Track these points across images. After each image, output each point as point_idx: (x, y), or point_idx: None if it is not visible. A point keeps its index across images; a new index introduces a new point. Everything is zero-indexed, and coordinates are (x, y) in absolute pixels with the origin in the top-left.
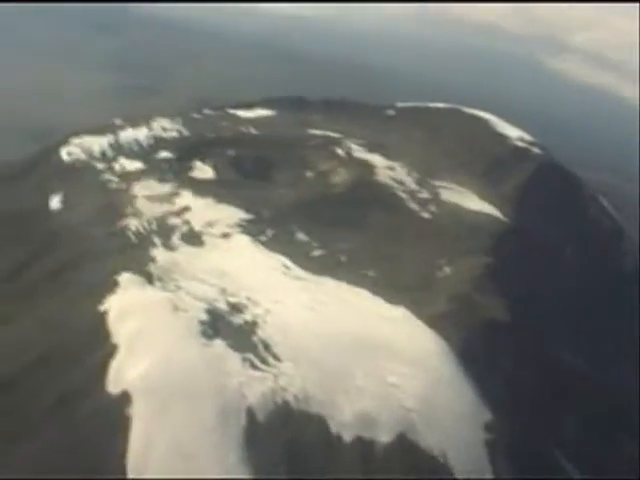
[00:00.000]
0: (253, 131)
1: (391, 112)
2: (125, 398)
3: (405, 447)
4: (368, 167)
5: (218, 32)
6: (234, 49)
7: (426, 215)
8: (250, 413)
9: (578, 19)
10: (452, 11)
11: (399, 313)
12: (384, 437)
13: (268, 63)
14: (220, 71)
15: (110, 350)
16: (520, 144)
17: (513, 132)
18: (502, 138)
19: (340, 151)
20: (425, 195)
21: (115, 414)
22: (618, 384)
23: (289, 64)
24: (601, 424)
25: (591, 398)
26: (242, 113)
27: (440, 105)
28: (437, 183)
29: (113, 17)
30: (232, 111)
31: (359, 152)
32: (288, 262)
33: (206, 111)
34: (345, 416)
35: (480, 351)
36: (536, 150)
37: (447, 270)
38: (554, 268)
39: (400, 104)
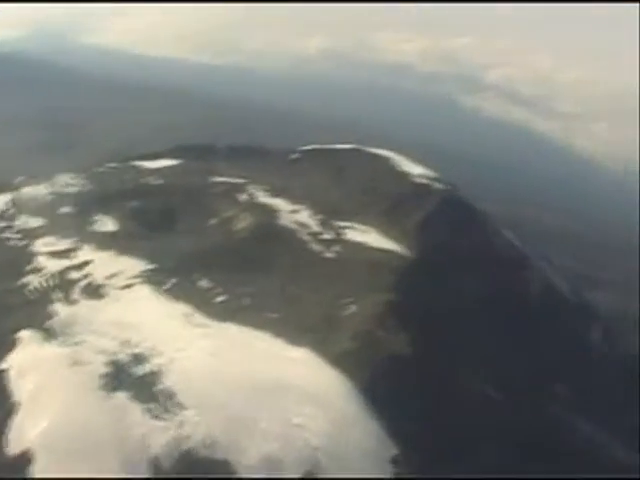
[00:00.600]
0: (157, 181)
1: (295, 156)
2: (26, 457)
3: None
4: (271, 211)
5: (137, 85)
6: (149, 101)
7: (330, 255)
8: (155, 463)
9: (491, 56)
10: (365, 52)
11: (302, 354)
12: (291, 477)
13: (182, 113)
14: (134, 123)
15: (10, 409)
16: (422, 181)
17: (415, 169)
18: (404, 176)
19: (243, 197)
20: (329, 236)
21: (17, 473)
22: (530, 412)
23: (202, 111)
24: (514, 454)
25: (504, 427)
26: (147, 164)
27: (344, 146)
28: (341, 223)
29: (31, 72)
30: (137, 162)
31: (262, 197)
32: (190, 310)
33: (111, 164)
34: (251, 459)
35: (385, 387)
36: (438, 186)
37: (351, 308)
38: (459, 301)
39: (304, 147)
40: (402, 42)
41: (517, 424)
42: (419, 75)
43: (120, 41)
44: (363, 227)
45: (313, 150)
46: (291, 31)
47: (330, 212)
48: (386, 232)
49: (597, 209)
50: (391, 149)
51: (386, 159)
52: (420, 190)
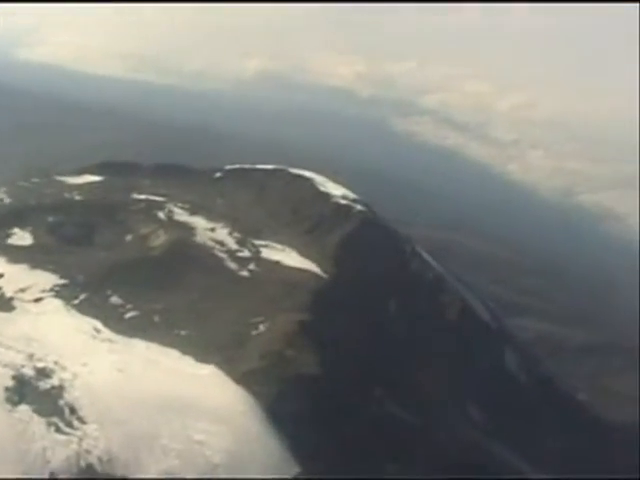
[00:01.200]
0: (78, 197)
1: (218, 175)
2: None
3: None
4: (188, 229)
5: (72, 102)
6: (83, 118)
7: (245, 274)
8: (54, 477)
9: (429, 81)
10: (303, 75)
11: (208, 371)
12: None
13: (114, 130)
14: (64, 140)
15: None
16: (343, 202)
17: (337, 191)
18: (325, 196)
19: (161, 214)
20: (245, 254)
21: None
22: (444, 434)
23: (135, 130)
24: (422, 471)
25: (412, 448)
26: (71, 179)
27: (266, 166)
28: (259, 242)
29: None
30: (61, 178)
31: (181, 215)
32: (99, 325)
33: (34, 179)
34: (150, 475)
35: (290, 405)
36: (358, 207)
37: (261, 327)
38: (374, 322)
39: (228, 166)
40: (341, 65)
41: (428, 445)
42: (356, 99)
43: (59, 57)
44: (281, 246)
45: (236, 169)
46: (231, 53)
47: (249, 231)
48: (304, 252)
49: (530, 236)
50: (319, 171)
51: (308, 180)
52: (340, 211)
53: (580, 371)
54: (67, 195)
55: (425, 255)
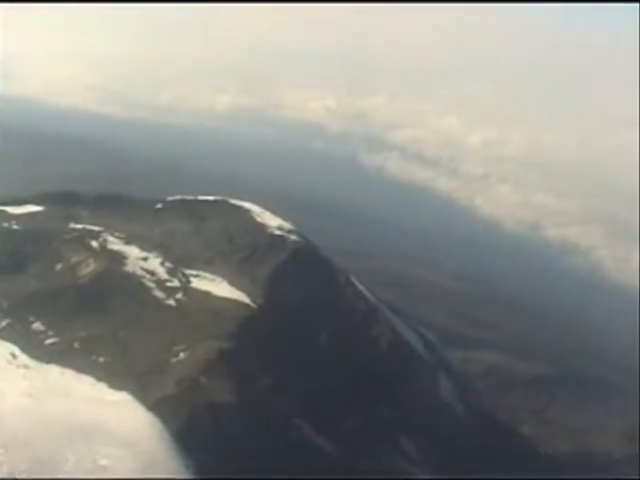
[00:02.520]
0: (15, 226)
1: (160, 205)
2: None
3: None
4: (119, 258)
5: (32, 133)
6: (46, 148)
7: (171, 303)
8: None
9: (400, 116)
10: (274, 110)
11: (120, 397)
12: None
13: (73, 161)
14: (14, 171)
15: None
16: (277, 232)
17: (273, 222)
18: (261, 227)
19: (95, 244)
20: (175, 284)
21: None
22: (369, 466)
23: (94, 162)
24: None
25: (332, 476)
26: (10, 209)
27: (208, 198)
28: (190, 272)
29: None
30: (1, 207)
31: (115, 244)
32: (17, 351)
33: None
34: None
35: (200, 432)
36: (293, 237)
37: (182, 355)
38: (304, 351)
39: (170, 197)
40: (312, 100)
41: (347, 476)
42: (326, 133)
43: (28, 89)
44: (212, 276)
45: (178, 201)
46: (202, 87)
47: (182, 260)
48: (235, 282)
49: (492, 269)
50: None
51: (247, 211)
52: (274, 241)
53: (529, 404)
54: (5, 224)
55: (359, 286)
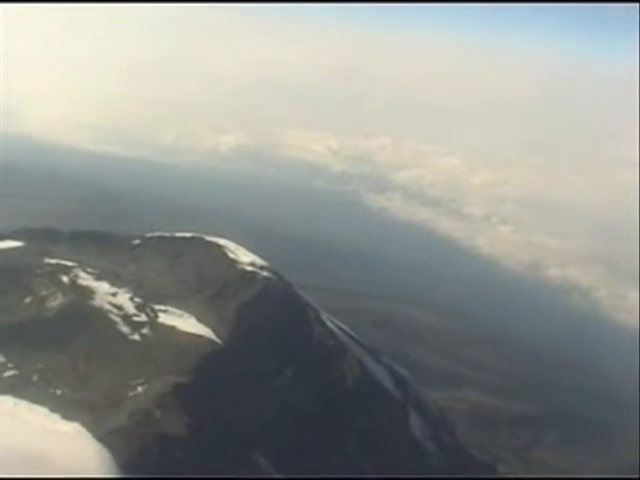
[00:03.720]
0: None
1: (137, 242)
2: None
3: None
4: (88, 292)
5: (30, 172)
6: (37, 187)
7: (136, 337)
8: None
9: (402, 157)
10: (277, 150)
11: (72, 428)
12: None
13: (66, 199)
14: (10, 208)
15: None
16: (248, 268)
17: (246, 258)
18: (233, 263)
19: (65, 278)
20: (142, 319)
21: None
22: None
23: (88, 200)
24: None
25: None
26: None
27: (184, 234)
28: (159, 307)
29: None
30: None
31: (86, 279)
32: None
33: None
34: None
35: (149, 463)
36: (264, 274)
37: (140, 389)
38: (268, 387)
39: (148, 234)
40: (314, 141)
41: None
42: (328, 174)
43: (28, 128)
44: (180, 312)
45: (155, 237)
46: (204, 127)
47: (152, 296)
48: (203, 317)
49: (487, 308)
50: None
51: (220, 247)
52: (245, 277)
53: (511, 442)
54: None
55: (329, 323)
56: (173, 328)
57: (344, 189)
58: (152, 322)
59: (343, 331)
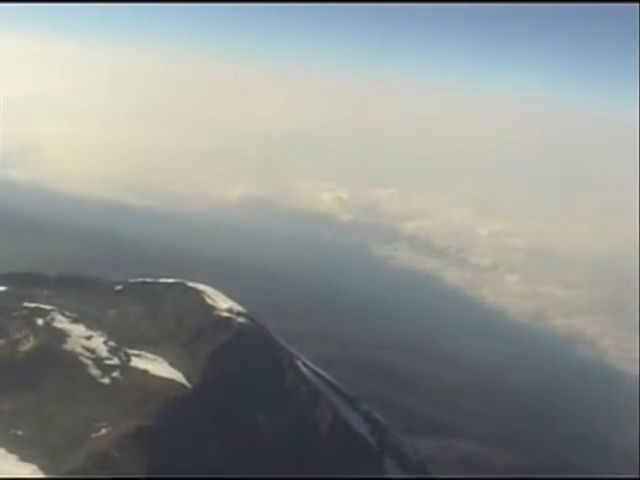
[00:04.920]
0: None
1: (119, 287)
2: None
3: None
4: (62, 336)
5: (41, 221)
6: (46, 234)
7: (105, 381)
8: None
9: (411, 208)
10: (286, 200)
11: (29, 470)
12: None
13: (75, 247)
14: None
15: None
16: (224, 314)
17: (224, 303)
18: (209, 308)
19: (40, 321)
20: (114, 362)
21: None
22: None
23: (93, 247)
24: None
25: None
26: None
27: (167, 280)
28: (133, 352)
29: None
30: None
31: (61, 323)
32: None
33: None
34: None
35: None
36: (240, 320)
37: (103, 431)
38: (234, 432)
39: (132, 280)
40: (324, 192)
41: None
42: (336, 224)
43: (43, 177)
44: (154, 356)
45: (138, 282)
46: (215, 178)
47: (127, 340)
48: (176, 362)
49: (489, 358)
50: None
51: (200, 293)
52: (220, 323)
53: None
54: None
55: (304, 369)
56: (145, 372)
57: (352, 239)
58: (124, 366)
59: (320, 378)
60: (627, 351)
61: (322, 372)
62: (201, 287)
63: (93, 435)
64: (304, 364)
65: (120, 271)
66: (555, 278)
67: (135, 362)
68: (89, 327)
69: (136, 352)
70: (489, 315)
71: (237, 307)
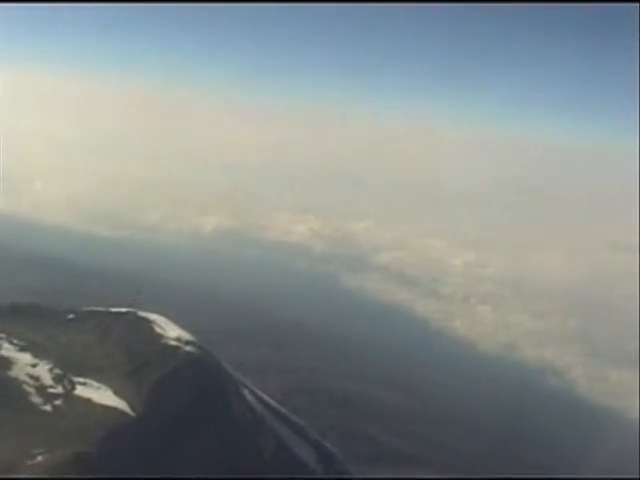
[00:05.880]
0: None
1: (72, 316)
2: None
3: None
4: (7, 364)
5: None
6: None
7: (47, 408)
8: None
9: (385, 239)
10: (260, 231)
11: None
12: None
13: (39, 276)
14: None
15: None
16: (172, 343)
17: (173, 332)
18: (158, 337)
19: None
20: (57, 390)
21: None
22: None
23: (56, 278)
24: None
25: None
26: None
27: (119, 309)
28: (78, 380)
29: None
30: None
31: (8, 350)
32: None
33: None
34: None
35: None
36: (187, 348)
37: (39, 458)
38: (175, 459)
39: (85, 309)
40: (298, 223)
41: None
42: (309, 255)
43: (10, 206)
44: (99, 384)
45: (90, 311)
46: (190, 209)
47: (73, 368)
48: (121, 390)
49: (456, 389)
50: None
51: (150, 322)
52: (167, 352)
53: None
54: None
55: (250, 397)
56: (88, 400)
57: (324, 270)
58: (67, 394)
59: (268, 407)
60: (597, 381)
61: (272, 402)
62: (152, 317)
63: (29, 462)
64: (252, 393)
65: (80, 300)
66: (528, 308)
67: (79, 390)
68: (36, 355)
69: (81, 380)
70: (459, 346)
71: (186, 336)
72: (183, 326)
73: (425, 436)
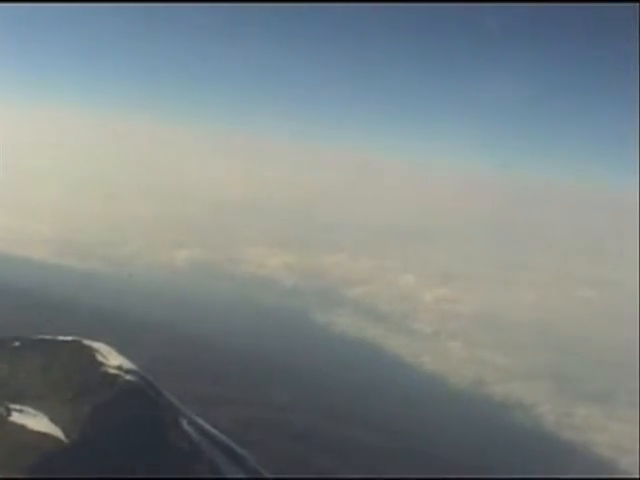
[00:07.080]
0: None
1: (17, 343)
2: None
3: None
4: None
5: None
6: None
7: None
8: None
9: (357, 274)
10: (231, 265)
11: None
12: None
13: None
14: None
15: None
16: (112, 371)
17: (115, 361)
18: (98, 366)
19: None
20: None
21: None
22: None
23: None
24: None
25: None
26: None
27: (65, 338)
28: (15, 407)
29: None
30: None
31: None
32: None
33: None
34: None
35: None
36: (127, 377)
37: None
38: None
39: (33, 337)
40: (271, 257)
41: None
42: (280, 289)
43: None
44: (35, 412)
45: (37, 339)
46: (160, 242)
47: (12, 396)
48: (57, 418)
49: (421, 425)
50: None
51: (94, 350)
52: (106, 380)
53: None
54: None
55: (188, 427)
56: (22, 427)
57: (295, 304)
58: (2, 420)
59: (207, 437)
60: (564, 416)
61: (213, 431)
62: (96, 345)
63: None
64: (192, 423)
65: (33, 330)
66: (498, 344)
67: (15, 417)
68: None
69: (18, 407)
70: (427, 382)
71: (128, 364)
72: (131, 356)
73: (384, 471)
